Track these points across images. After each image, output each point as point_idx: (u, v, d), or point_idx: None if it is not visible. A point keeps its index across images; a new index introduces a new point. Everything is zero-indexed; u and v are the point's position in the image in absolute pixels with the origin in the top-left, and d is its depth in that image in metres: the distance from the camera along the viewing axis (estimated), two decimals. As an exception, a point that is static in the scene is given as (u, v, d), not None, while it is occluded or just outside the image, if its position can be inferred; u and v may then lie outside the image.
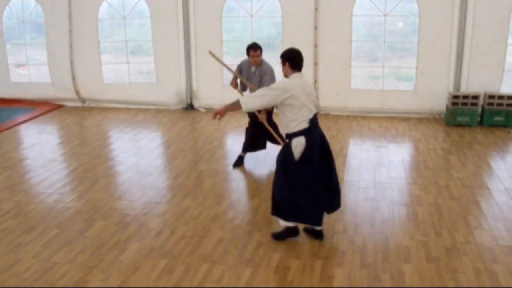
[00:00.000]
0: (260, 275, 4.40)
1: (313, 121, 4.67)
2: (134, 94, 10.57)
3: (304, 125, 4.60)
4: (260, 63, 6.66)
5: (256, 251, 4.79)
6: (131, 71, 10.69)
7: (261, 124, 6.33)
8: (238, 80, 6.87)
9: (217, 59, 6.74)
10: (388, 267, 4.49)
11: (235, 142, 8.26)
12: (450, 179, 6.48)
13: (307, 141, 4.61)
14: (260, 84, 6.48)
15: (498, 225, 5.21)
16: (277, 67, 9.77)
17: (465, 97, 8.77)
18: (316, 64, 9.51)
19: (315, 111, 4.72)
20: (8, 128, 9.30)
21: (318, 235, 4.97)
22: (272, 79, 6.54)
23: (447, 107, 9.03)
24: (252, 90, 6.26)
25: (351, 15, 9.20)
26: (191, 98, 10.39)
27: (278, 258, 4.67)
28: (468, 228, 5.17)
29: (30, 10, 10.81)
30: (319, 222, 4.89)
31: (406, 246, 4.83)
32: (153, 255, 4.76)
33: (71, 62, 10.60)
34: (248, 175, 6.75)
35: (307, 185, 4.72)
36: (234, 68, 6.91)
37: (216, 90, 10.12)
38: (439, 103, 9.23)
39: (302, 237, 5.02)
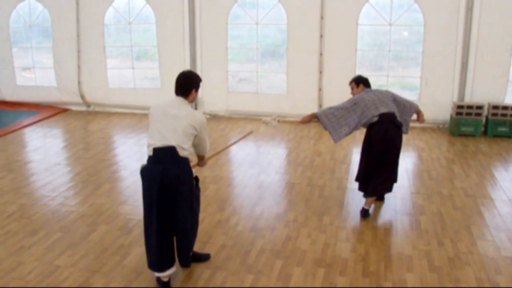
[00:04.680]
0: (262, 282, 4.40)
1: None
2: (139, 99, 10.62)
3: (149, 153, 4.21)
4: None
5: (259, 258, 4.80)
6: (136, 76, 10.75)
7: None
8: None
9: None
10: (391, 276, 4.49)
11: (238, 148, 8.27)
12: (454, 189, 6.48)
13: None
14: None
15: (501, 236, 5.20)
16: (282, 76, 9.88)
17: (470, 107, 8.78)
18: (321, 72, 9.55)
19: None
20: (13, 131, 9.34)
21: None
22: None
23: (451, 116, 9.03)
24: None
25: (357, 24, 9.24)
26: (195, 104, 10.41)
27: (281, 265, 4.67)
28: (471, 238, 5.16)
29: (37, 14, 10.89)
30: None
31: (408, 255, 4.83)
32: (155, 260, 4.76)
33: (78, 67, 10.66)
34: (251, 182, 6.76)
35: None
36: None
37: (221, 96, 10.16)
38: (443, 112, 9.24)
39: (305, 245, 5.03)
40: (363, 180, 5.94)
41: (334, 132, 5.73)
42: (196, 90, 4.43)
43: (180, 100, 4.33)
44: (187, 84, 4.36)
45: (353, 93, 5.97)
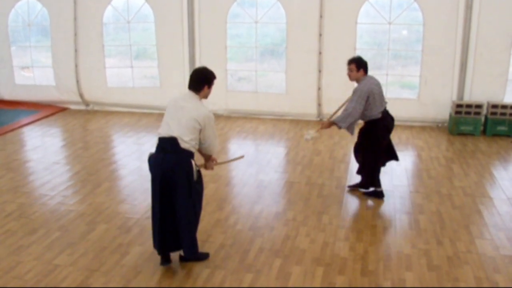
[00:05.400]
0: (261, 281, 4.40)
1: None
2: (138, 98, 10.61)
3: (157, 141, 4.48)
4: (358, 81, 5.92)
5: (258, 257, 4.80)
6: (135, 75, 10.74)
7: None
8: None
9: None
10: (390, 275, 4.49)
11: (237, 147, 8.28)
12: (453, 188, 6.48)
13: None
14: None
15: (499, 235, 5.20)
16: (281, 75, 9.87)
17: (469, 106, 8.78)
18: (320, 71, 9.54)
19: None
20: (12, 130, 9.33)
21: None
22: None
23: (450, 115, 9.04)
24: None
25: (356, 23, 9.23)
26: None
27: (280, 264, 4.67)
28: (470, 237, 5.17)
29: (36, 13, 10.87)
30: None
31: (407, 254, 4.83)
32: (154, 259, 4.74)
33: (76, 65, 10.65)
34: (250, 181, 6.75)
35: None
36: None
37: (219, 95, 10.13)
38: (443, 111, 9.24)
39: (304, 244, 5.03)
40: (371, 174, 6.11)
41: (349, 127, 5.86)
42: (209, 87, 4.54)
43: (191, 94, 4.46)
44: (199, 80, 4.47)
45: (350, 75, 5.93)
